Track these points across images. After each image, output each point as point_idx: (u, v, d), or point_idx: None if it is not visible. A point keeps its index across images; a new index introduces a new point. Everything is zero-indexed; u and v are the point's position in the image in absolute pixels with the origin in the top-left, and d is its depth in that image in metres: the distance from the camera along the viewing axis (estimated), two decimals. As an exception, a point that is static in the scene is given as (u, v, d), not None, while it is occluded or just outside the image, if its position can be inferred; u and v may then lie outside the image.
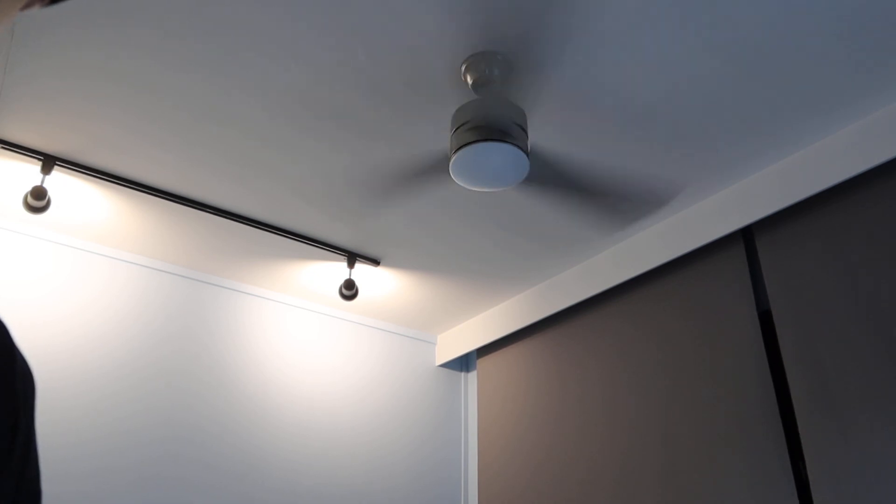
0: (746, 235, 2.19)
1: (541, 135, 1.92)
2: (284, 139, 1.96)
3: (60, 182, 2.15)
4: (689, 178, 2.10)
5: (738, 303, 2.12)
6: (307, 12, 1.55)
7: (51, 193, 2.19)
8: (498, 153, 1.58)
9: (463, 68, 1.68)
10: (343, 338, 2.97)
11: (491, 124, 1.57)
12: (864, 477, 1.68)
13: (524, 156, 1.60)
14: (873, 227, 1.84)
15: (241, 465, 2.51)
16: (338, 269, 2.67)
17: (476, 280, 2.74)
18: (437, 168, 2.07)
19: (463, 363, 3.29)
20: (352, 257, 2.54)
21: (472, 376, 3.22)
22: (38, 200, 1.99)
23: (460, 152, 1.59)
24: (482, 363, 3.12)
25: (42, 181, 2.07)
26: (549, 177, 2.10)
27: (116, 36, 1.64)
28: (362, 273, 2.68)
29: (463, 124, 1.60)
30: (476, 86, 1.68)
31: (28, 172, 2.10)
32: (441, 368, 3.21)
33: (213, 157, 2.05)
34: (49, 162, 2.03)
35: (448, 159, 2.02)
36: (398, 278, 2.73)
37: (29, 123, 1.92)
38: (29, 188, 2.05)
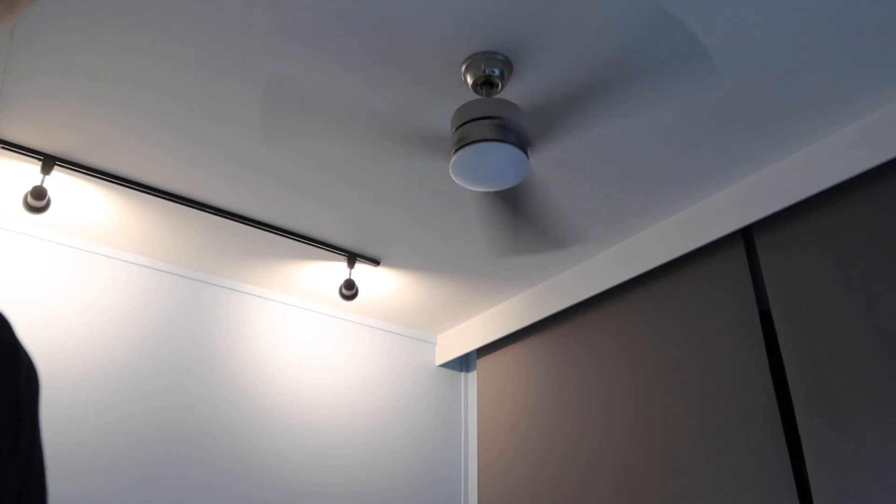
0: (746, 235, 2.19)
1: (540, 135, 1.92)
2: (285, 139, 1.96)
3: (60, 182, 2.15)
4: (690, 177, 2.10)
5: (738, 303, 2.12)
6: (306, 12, 1.55)
7: (51, 193, 2.19)
8: (498, 153, 1.58)
9: (463, 68, 1.68)
10: (343, 338, 2.97)
11: (491, 124, 1.57)
12: (863, 476, 1.68)
13: (524, 156, 1.60)
14: (873, 226, 1.84)
15: (241, 465, 2.51)
16: (338, 269, 2.67)
17: (476, 280, 2.74)
18: (436, 168, 2.07)
19: (463, 363, 3.29)
20: (352, 257, 2.54)
21: (472, 376, 3.22)
22: (38, 200, 1.99)
23: (460, 152, 1.59)
24: (482, 363, 3.12)
25: (42, 181, 2.07)
26: (548, 177, 2.10)
27: (116, 36, 1.64)
28: (362, 273, 2.68)
29: (463, 124, 1.60)
30: (476, 86, 1.68)
31: (28, 172, 2.11)
32: (441, 368, 3.21)
33: (213, 157, 2.05)
34: (49, 162, 2.03)
35: (448, 159, 2.02)
36: (398, 278, 2.73)
37: (29, 123, 1.92)
38: (29, 188, 2.05)
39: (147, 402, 2.40)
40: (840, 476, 1.72)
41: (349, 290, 2.50)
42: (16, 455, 0.41)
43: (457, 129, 1.62)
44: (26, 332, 2.26)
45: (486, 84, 1.67)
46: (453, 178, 1.67)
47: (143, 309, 2.52)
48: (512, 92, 1.76)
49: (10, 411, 0.41)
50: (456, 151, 1.60)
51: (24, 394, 0.43)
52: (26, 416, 0.43)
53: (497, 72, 1.66)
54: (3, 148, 1.98)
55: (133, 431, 2.34)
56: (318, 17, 1.56)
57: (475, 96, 1.73)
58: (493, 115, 1.58)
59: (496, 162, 1.60)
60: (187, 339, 2.57)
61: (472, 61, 1.65)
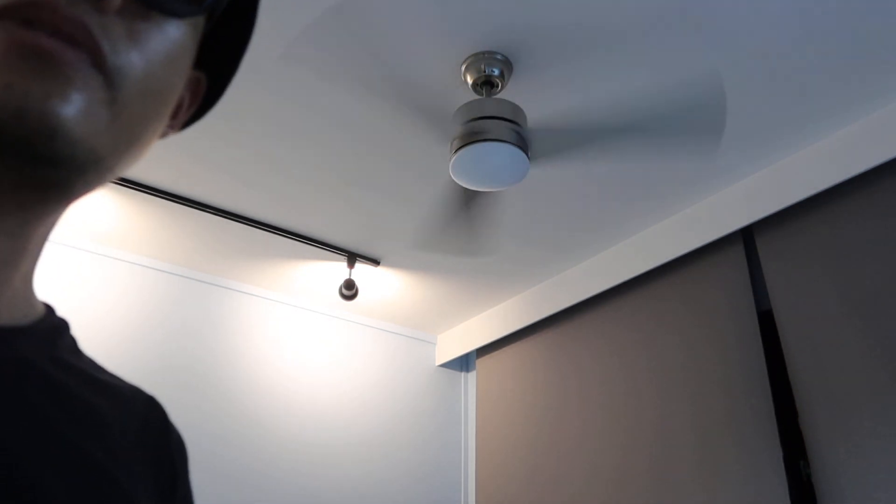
0: (746, 235, 2.19)
1: (540, 135, 1.92)
2: (284, 139, 1.96)
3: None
4: (689, 178, 2.10)
5: (738, 303, 2.12)
6: (306, 12, 1.55)
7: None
8: (498, 153, 1.58)
9: (463, 68, 1.68)
10: (343, 338, 2.97)
11: (490, 124, 1.57)
12: (866, 475, 1.68)
13: (524, 156, 1.61)
14: (873, 226, 1.85)
15: (240, 466, 2.51)
16: (338, 269, 2.67)
17: (476, 280, 2.74)
18: (437, 168, 2.07)
19: (463, 363, 3.29)
20: (352, 257, 2.54)
21: (472, 376, 3.22)
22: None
23: (460, 152, 1.59)
24: (481, 363, 3.12)
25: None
26: (548, 177, 2.10)
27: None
28: (362, 273, 2.68)
29: (463, 124, 1.60)
30: (476, 86, 1.68)
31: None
32: (441, 368, 3.21)
33: (213, 158, 2.05)
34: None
35: (448, 159, 2.02)
36: (398, 278, 2.73)
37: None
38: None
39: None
40: (843, 475, 1.72)
41: (349, 290, 2.50)
42: (175, 499, 0.47)
43: (457, 128, 1.62)
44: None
45: (486, 84, 1.67)
46: (453, 177, 1.67)
47: (144, 309, 2.51)
48: (512, 92, 1.76)
49: (168, 473, 0.46)
50: (456, 151, 1.60)
51: (177, 460, 0.48)
52: (180, 474, 0.48)
53: (497, 72, 1.66)
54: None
55: (133, 431, 2.33)
56: (317, 17, 1.56)
57: (475, 96, 1.73)
58: (494, 116, 1.58)
59: (496, 162, 1.60)
60: (187, 339, 2.57)
61: (472, 61, 1.65)
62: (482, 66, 1.65)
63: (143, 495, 0.41)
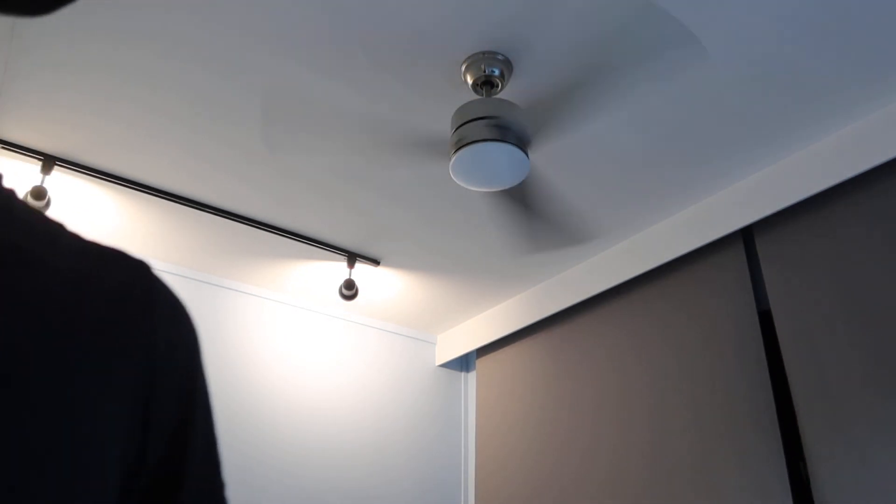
0: (746, 235, 2.19)
1: (540, 135, 1.92)
2: (285, 140, 1.96)
3: (60, 182, 2.15)
4: (690, 177, 2.10)
5: (738, 303, 2.12)
6: (308, 13, 1.55)
7: (51, 193, 2.19)
8: (498, 153, 1.58)
9: (463, 68, 1.68)
10: (343, 338, 2.97)
11: (491, 124, 1.57)
12: (864, 475, 1.68)
13: (524, 156, 1.61)
14: (872, 226, 1.85)
15: (240, 466, 2.51)
16: (338, 269, 2.67)
17: (476, 280, 2.74)
18: (437, 168, 2.07)
19: (463, 363, 3.29)
20: (352, 257, 2.54)
21: (472, 376, 3.22)
22: (37, 200, 1.99)
23: (460, 152, 1.59)
24: (481, 363, 3.12)
25: (42, 181, 2.07)
26: (547, 177, 2.10)
27: (118, 35, 1.64)
28: (362, 273, 2.68)
29: (463, 124, 1.60)
30: (476, 86, 1.68)
31: (28, 172, 2.11)
32: (441, 368, 3.21)
33: (213, 158, 2.05)
34: (49, 162, 2.03)
35: (448, 159, 2.02)
36: (398, 278, 2.73)
37: (29, 122, 1.92)
38: (29, 188, 2.05)
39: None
40: (841, 476, 1.72)
41: (349, 290, 2.50)
42: (145, 460, 0.32)
43: (457, 129, 1.62)
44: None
45: (486, 84, 1.67)
46: (453, 178, 1.67)
47: (143, 309, 2.51)
48: (512, 92, 1.76)
49: (144, 367, 0.32)
50: (456, 151, 1.60)
51: (161, 352, 0.34)
52: (165, 385, 0.34)
53: (497, 72, 1.66)
54: (2, 148, 1.98)
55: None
56: (318, 18, 1.56)
57: (475, 96, 1.73)
58: (493, 115, 1.58)
59: (496, 162, 1.60)
60: (187, 339, 2.57)
61: (472, 61, 1.65)
62: (482, 66, 1.65)
63: (93, 395, 0.30)
